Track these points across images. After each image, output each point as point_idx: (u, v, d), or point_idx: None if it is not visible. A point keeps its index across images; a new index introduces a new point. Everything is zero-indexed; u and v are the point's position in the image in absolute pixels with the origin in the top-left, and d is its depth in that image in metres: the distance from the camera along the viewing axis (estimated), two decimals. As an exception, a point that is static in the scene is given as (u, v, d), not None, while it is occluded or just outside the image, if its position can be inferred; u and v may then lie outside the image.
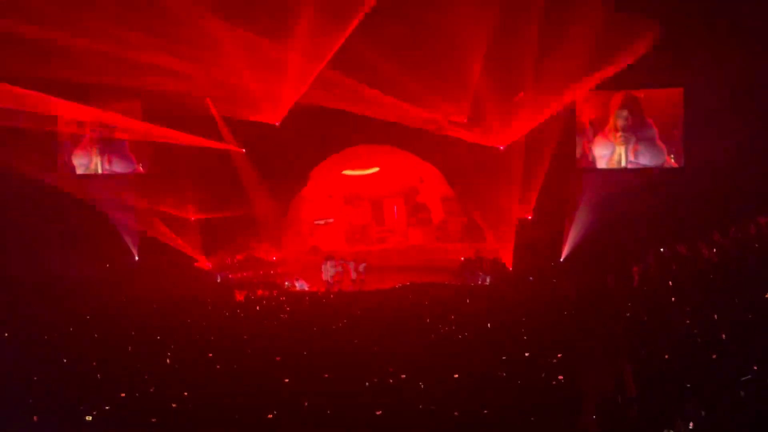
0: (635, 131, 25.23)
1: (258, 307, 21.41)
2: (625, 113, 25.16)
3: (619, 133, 25.26)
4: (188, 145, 27.39)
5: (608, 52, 22.86)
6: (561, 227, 25.19)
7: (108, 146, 29.53)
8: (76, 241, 26.86)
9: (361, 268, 27.55)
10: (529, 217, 26.36)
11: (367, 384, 12.48)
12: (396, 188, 34.03)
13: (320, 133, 27.52)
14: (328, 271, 27.53)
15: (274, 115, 26.72)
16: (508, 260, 25.42)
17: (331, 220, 33.56)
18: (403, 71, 24.14)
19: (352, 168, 32.52)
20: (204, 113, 27.32)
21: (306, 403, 11.55)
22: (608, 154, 25.44)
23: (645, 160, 24.98)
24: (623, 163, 25.32)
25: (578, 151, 25.94)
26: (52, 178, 28.15)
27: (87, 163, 29.60)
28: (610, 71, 23.54)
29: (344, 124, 26.52)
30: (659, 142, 24.74)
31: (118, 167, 29.54)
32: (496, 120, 25.59)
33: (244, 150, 28.59)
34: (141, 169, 29.40)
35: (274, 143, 27.48)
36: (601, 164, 25.66)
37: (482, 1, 23.00)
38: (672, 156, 24.77)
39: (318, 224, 33.32)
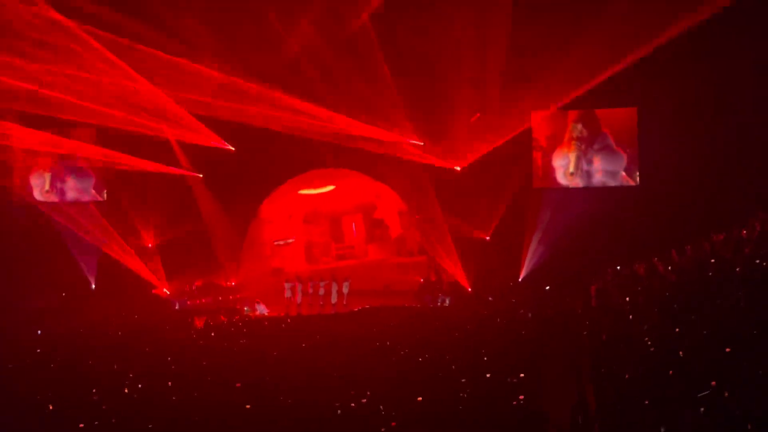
0: (591, 142, 25.41)
1: (213, 334, 21.25)
2: (579, 126, 25.38)
3: (574, 142, 25.41)
4: (145, 171, 27.24)
5: (568, 74, 23.12)
6: (519, 247, 25.32)
7: (66, 174, 29.29)
8: (32, 269, 26.54)
9: (344, 288, 27.27)
10: (488, 239, 26.46)
11: (328, 408, 12.44)
12: (354, 205, 34.08)
13: (277, 156, 27.44)
14: (296, 293, 27.33)
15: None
16: (466, 281, 25.48)
17: (291, 240, 33.44)
18: (361, 94, 24.26)
19: (308, 187, 32.45)
20: (160, 139, 27.13)
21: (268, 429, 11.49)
22: (564, 164, 25.53)
23: (603, 165, 25.10)
24: (574, 170, 25.42)
25: (535, 171, 26.08)
26: (6, 206, 27.86)
27: (43, 190, 29.29)
28: (569, 94, 23.86)
29: (301, 147, 26.49)
30: (617, 148, 24.90)
31: (77, 195, 29.26)
32: (453, 141, 25.72)
33: (201, 175, 28.45)
34: (100, 197, 29.17)
35: (231, 168, 27.41)
36: (559, 175, 25.73)
37: (440, 24, 23.20)
38: (626, 173, 25.04)
39: (278, 245, 33.18)
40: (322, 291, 27.19)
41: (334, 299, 26.95)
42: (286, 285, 27.37)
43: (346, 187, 32.60)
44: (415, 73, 24.43)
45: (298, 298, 27.07)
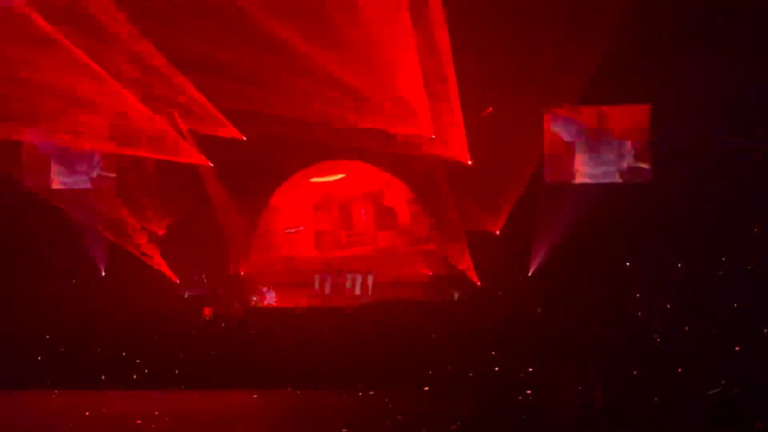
0: (600, 136, 25.38)
1: (223, 324, 21.26)
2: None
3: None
4: (155, 158, 27.22)
5: (579, 67, 23.05)
6: (529, 242, 25.22)
7: (75, 161, 29.25)
8: (41, 256, 26.55)
9: (369, 279, 27.29)
10: (497, 232, 26.37)
11: (335, 400, 12.45)
12: (363, 192, 33.94)
13: (289, 146, 27.38)
14: (325, 285, 27.36)
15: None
16: (475, 275, 25.41)
17: (302, 228, 33.35)
18: (370, 85, 24.17)
19: (319, 175, 32.35)
20: (170, 126, 27.09)
21: (275, 419, 11.50)
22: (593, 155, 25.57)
23: (609, 158, 25.13)
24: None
25: (546, 166, 26.00)
26: (15, 193, 27.87)
27: (52, 176, 29.28)
28: (580, 87, 23.76)
29: (313, 136, 26.41)
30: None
31: (86, 182, 29.25)
32: (464, 135, 25.64)
33: (211, 164, 28.41)
34: (108, 183, 29.16)
35: (243, 157, 27.35)
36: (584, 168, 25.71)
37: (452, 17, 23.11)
38: (618, 173, 25.06)
39: (289, 233, 33.10)
40: (348, 283, 27.25)
41: (358, 291, 27.00)
42: (316, 277, 27.47)
43: (355, 175, 32.52)
44: (427, 63, 24.31)
45: (327, 289, 27.15)
